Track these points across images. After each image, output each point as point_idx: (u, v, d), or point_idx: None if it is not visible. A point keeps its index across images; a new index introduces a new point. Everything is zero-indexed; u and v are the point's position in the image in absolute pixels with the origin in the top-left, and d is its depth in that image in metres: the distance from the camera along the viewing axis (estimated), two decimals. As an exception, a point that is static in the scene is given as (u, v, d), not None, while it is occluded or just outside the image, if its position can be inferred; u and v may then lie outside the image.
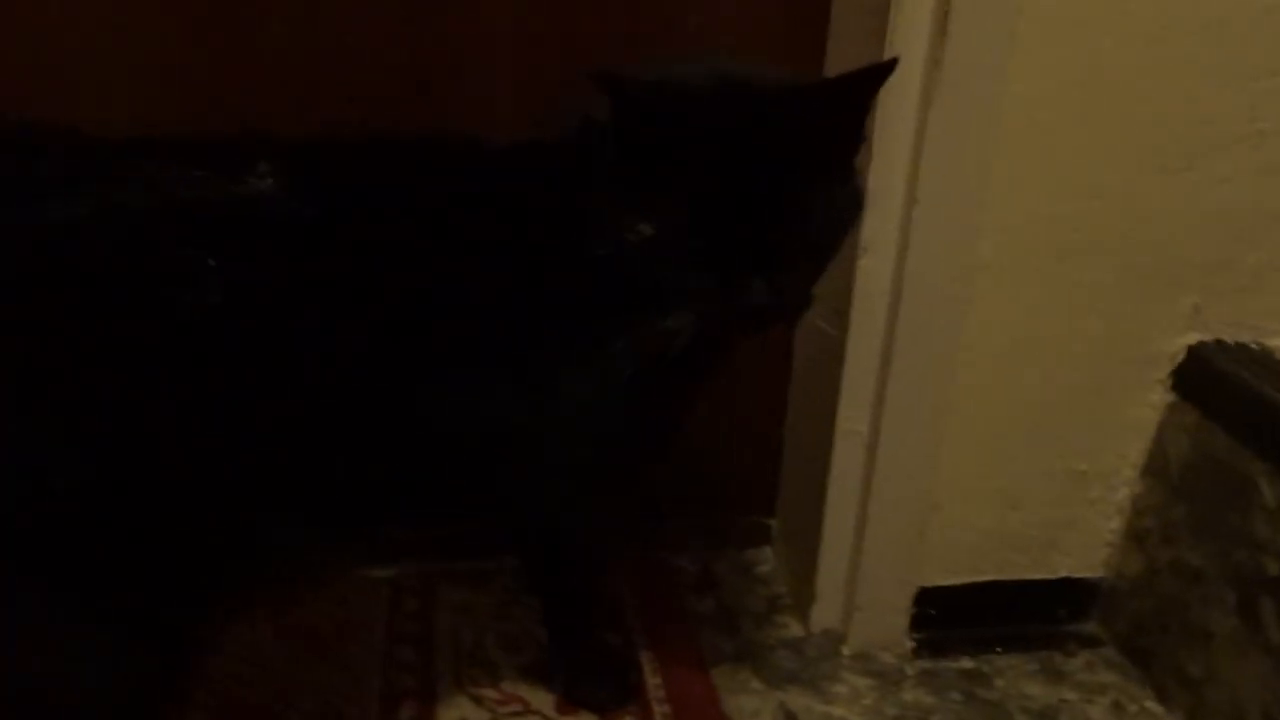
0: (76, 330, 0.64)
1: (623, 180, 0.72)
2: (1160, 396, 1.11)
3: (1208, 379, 1.07)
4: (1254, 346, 1.07)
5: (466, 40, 1.02)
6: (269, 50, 0.99)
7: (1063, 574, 1.20)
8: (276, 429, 0.73)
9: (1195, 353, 1.08)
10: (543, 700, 1.05)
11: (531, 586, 1.09)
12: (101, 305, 0.64)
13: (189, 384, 0.67)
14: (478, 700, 1.05)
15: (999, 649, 1.19)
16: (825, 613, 1.17)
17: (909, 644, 1.18)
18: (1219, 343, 1.09)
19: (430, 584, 1.20)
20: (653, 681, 1.09)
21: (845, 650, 1.16)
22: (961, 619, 1.19)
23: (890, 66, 0.74)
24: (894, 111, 0.95)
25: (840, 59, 1.04)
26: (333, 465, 0.77)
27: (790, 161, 0.72)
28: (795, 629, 1.19)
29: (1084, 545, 1.19)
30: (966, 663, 1.17)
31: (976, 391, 1.09)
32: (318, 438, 0.75)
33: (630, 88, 0.69)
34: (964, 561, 1.18)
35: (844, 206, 0.78)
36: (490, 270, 0.78)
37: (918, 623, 1.18)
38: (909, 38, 0.92)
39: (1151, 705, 1.12)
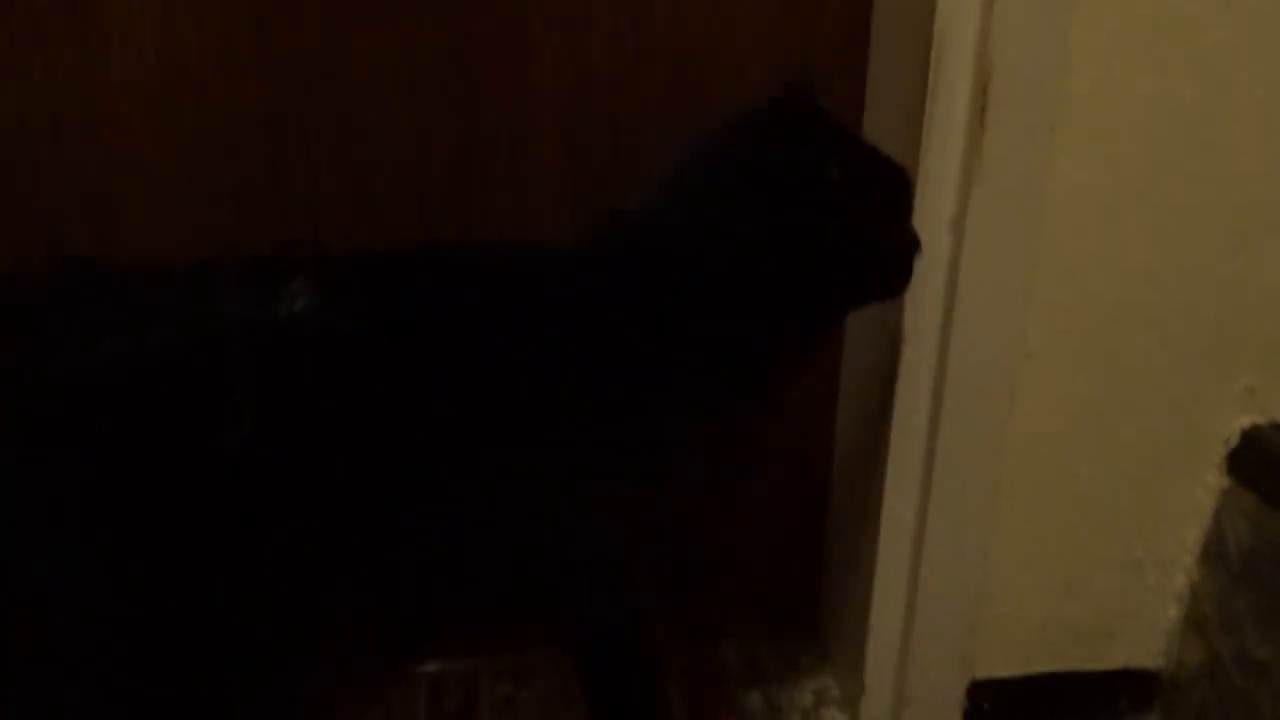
0: (113, 473, 0.62)
1: None
2: (1216, 480, 1.08)
3: (1264, 462, 1.04)
4: (1311, 430, 1.05)
5: (508, 125, 1.03)
6: (316, 146, 1.01)
7: (1122, 664, 1.16)
8: (324, 557, 0.70)
9: (1250, 436, 1.06)
10: (587, 802, 1.03)
11: (582, 684, 1.06)
12: (135, 448, 0.63)
13: (229, 518, 0.65)
14: (520, 803, 1.03)
15: (1057, 743, 1.15)
16: (875, 708, 1.14)
17: (963, 740, 1.14)
18: (1274, 425, 1.06)
19: (472, 680, 1.18)
20: (699, 782, 1.06)
21: (897, 746, 1.13)
22: (1018, 712, 1.15)
23: None
24: (932, 198, 0.94)
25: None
26: (387, 587, 0.75)
27: None
28: (845, 724, 1.16)
29: (1143, 634, 1.15)
30: (1024, 758, 1.13)
31: (1028, 478, 1.06)
32: (371, 560, 0.72)
33: None
34: (1019, 653, 1.14)
35: None
36: (549, 372, 0.77)
37: (972, 717, 1.14)
38: (947, 128, 0.92)
39: (1221, 805, 1.07)
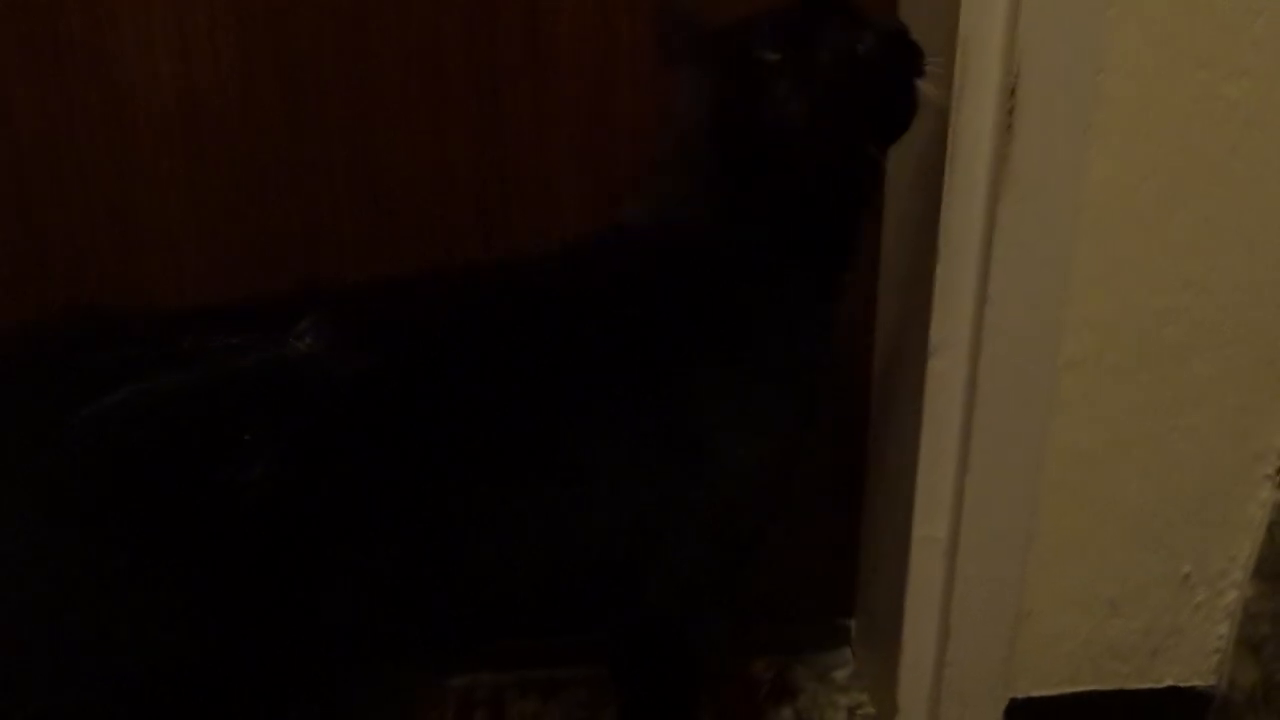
0: (134, 513, 0.63)
1: None
2: (1269, 494, 1.03)
3: (1322, 477, 0.99)
4: (1371, 441, 0.99)
5: (527, 166, 1.01)
6: (335, 185, 1.00)
7: (1169, 683, 1.12)
8: (358, 583, 0.70)
9: (1307, 447, 1.00)
10: (611, 821, 1.02)
11: (624, 697, 1.03)
12: (155, 489, 0.64)
13: (247, 553, 0.66)
14: (544, 822, 1.02)
15: (1101, 765, 1.11)
16: (909, 726, 1.11)
17: (1002, 760, 1.11)
18: (1333, 436, 1.00)
19: (499, 694, 1.17)
20: (727, 803, 1.04)
21: (933, 766, 1.10)
22: (1060, 732, 1.11)
23: None
24: (960, 210, 0.91)
25: (903, 161, 0.99)
26: (415, 609, 0.74)
27: None
28: (878, 742, 1.13)
29: (1192, 652, 1.10)
30: (1066, 780, 1.09)
31: (1071, 492, 1.02)
32: (407, 588, 0.72)
33: None
34: (1061, 671, 1.10)
35: None
36: (597, 369, 0.76)
37: (1012, 737, 1.11)
38: (974, 135, 0.88)
39: (1274, 833, 1.02)
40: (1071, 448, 1.00)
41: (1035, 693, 1.10)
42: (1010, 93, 0.86)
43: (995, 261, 0.90)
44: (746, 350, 0.81)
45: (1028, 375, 0.95)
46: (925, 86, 0.81)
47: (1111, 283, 0.94)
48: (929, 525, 1.02)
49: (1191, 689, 1.12)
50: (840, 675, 1.22)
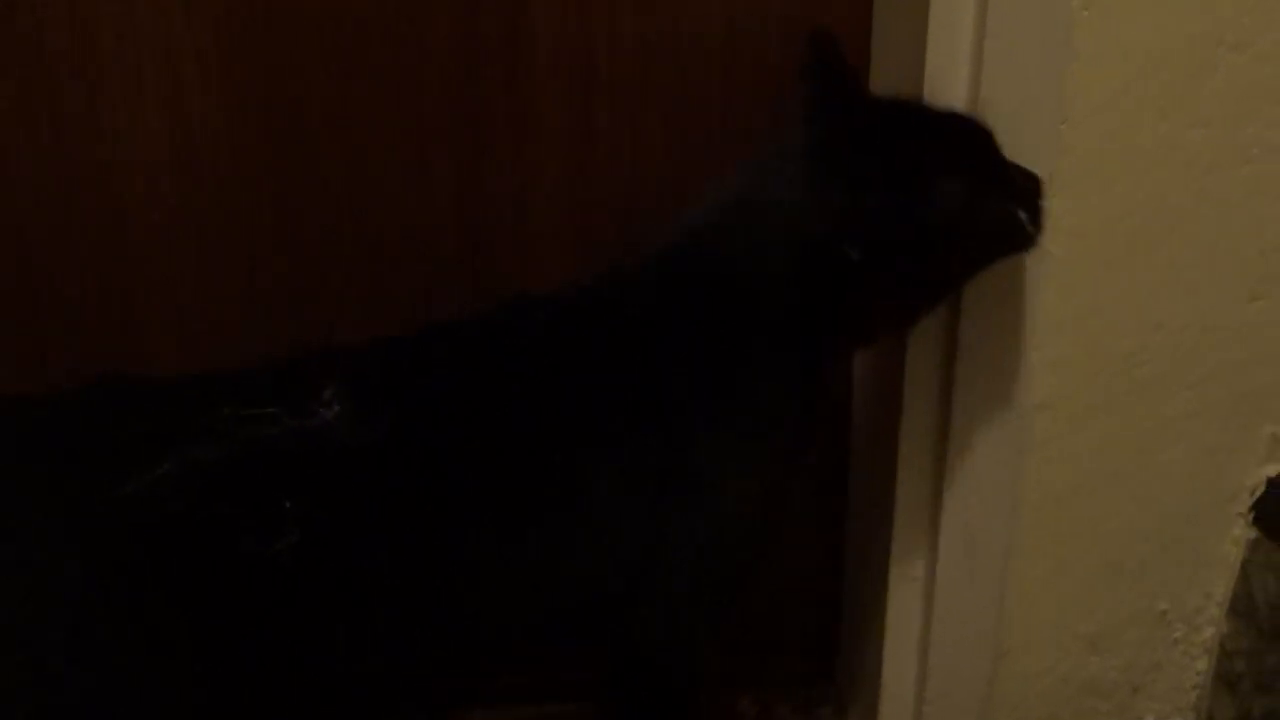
0: (169, 594, 0.67)
1: None
2: (1242, 532, 1.04)
3: (1293, 515, 1.00)
4: (1341, 479, 1.00)
5: (514, 199, 1.03)
6: (320, 215, 1.02)
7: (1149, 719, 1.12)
8: (380, 648, 0.74)
9: (1275, 485, 1.02)
10: None
11: None
12: (196, 560, 0.67)
13: (287, 625, 0.70)
14: None
15: (1081, 803, 1.11)
16: (890, 762, 1.12)
17: (982, 796, 1.11)
18: (1303, 474, 1.02)
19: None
20: (707, 841, 1.05)
21: (913, 805, 1.10)
22: (1040, 768, 1.12)
23: None
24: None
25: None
26: (448, 667, 0.79)
27: None
28: (860, 779, 1.14)
29: (1171, 689, 1.11)
30: (1046, 817, 1.10)
31: (1046, 530, 1.03)
32: (421, 634, 0.76)
33: None
34: (1040, 708, 1.11)
35: None
36: (598, 416, 0.79)
37: (993, 773, 1.11)
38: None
39: None
40: (1046, 487, 1.01)
41: (1016, 729, 1.11)
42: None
43: (964, 305, 0.92)
44: (745, 396, 0.83)
45: (998, 420, 0.97)
46: None
47: (1081, 326, 0.96)
48: (907, 564, 1.03)
49: (1171, 725, 1.13)
50: (824, 711, 1.23)
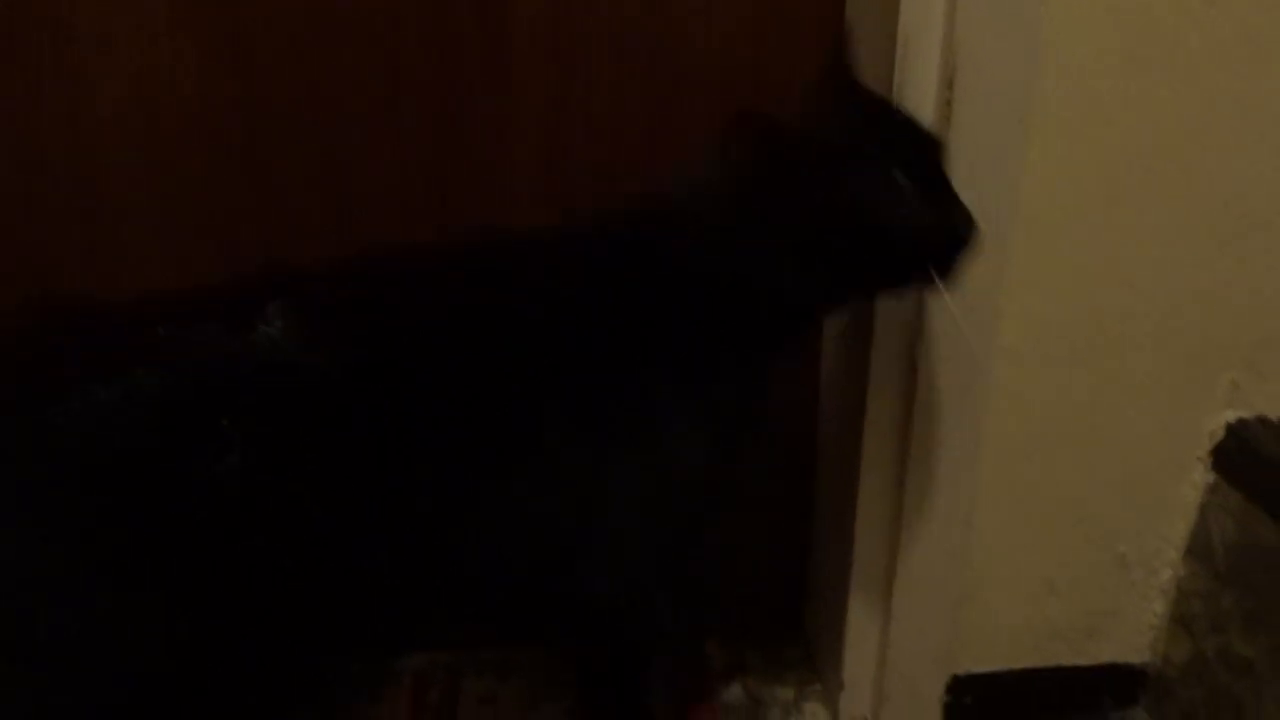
0: (119, 511, 0.64)
1: None
2: (1201, 476, 1.06)
3: (1249, 459, 1.02)
4: (1298, 425, 1.02)
5: (484, 151, 1.02)
6: (291, 165, 1.01)
7: (1106, 660, 1.15)
8: (330, 573, 0.72)
9: (1235, 430, 1.04)
10: (563, 798, 1.04)
11: (578, 677, 1.06)
12: (136, 485, 0.65)
13: (236, 546, 0.67)
14: (497, 799, 1.04)
15: (1040, 740, 1.14)
16: (854, 702, 1.14)
17: (944, 734, 1.14)
18: (1260, 419, 1.03)
19: (454, 675, 1.19)
20: (675, 778, 1.07)
21: (877, 742, 1.13)
22: (1000, 708, 1.14)
23: None
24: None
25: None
26: (396, 595, 0.76)
27: None
28: (824, 718, 1.16)
29: (1128, 630, 1.14)
30: (1005, 754, 1.12)
31: (1009, 476, 1.05)
32: (378, 572, 0.73)
33: None
34: (1001, 649, 1.13)
35: None
36: (552, 361, 0.77)
37: (952, 712, 1.13)
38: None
39: (1203, 803, 1.06)
40: (1008, 434, 1.03)
41: (977, 669, 1.13)
42: (948, 84, 0.88)
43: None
44: (696, 352, 0.82)
45: (966, 365, 0.97)
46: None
47: (1048, 278, 0.97)
48: (873, 507, 1.04)
49: (1127, 665, 1.15)
50: (791, 654, 1.25)
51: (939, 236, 0.79)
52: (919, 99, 0.90)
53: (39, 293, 0.73)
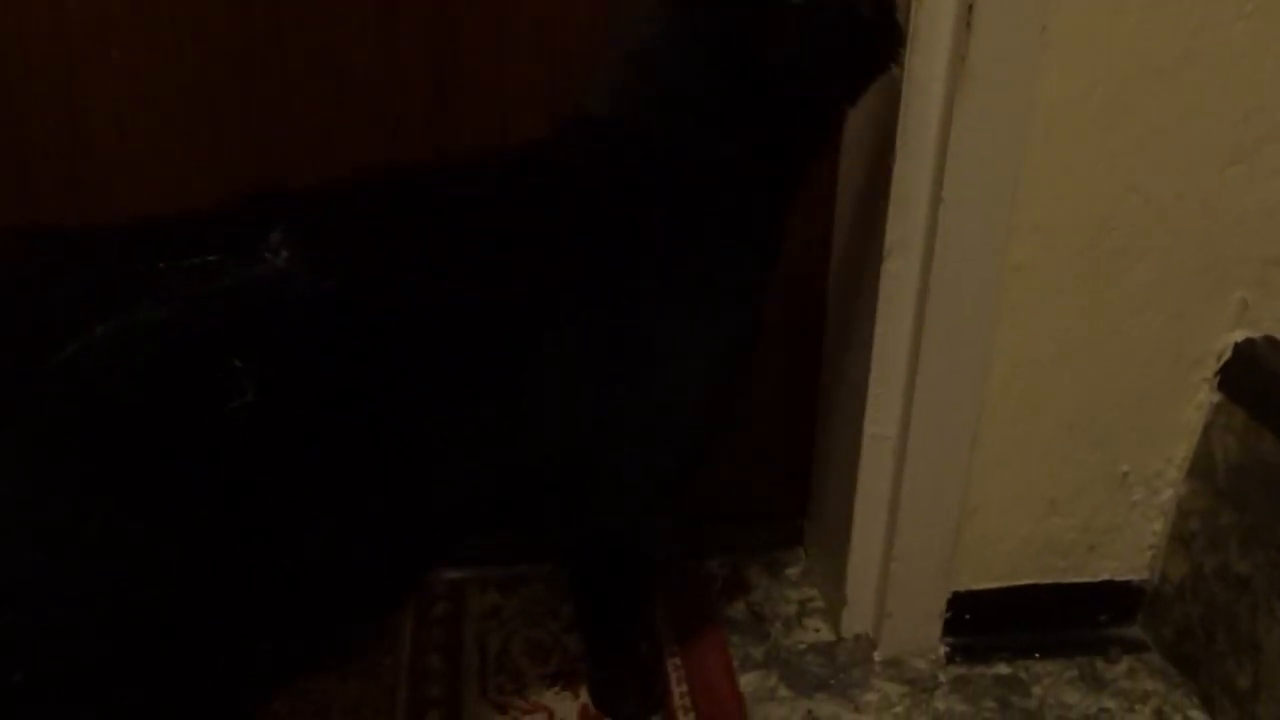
0: (116, 467, 0.61)
1: None
2: (1206, 396, 1.07)
3: (1256, 378, 1.02)
4: (1306, 345, 1.02)
5: (483, 49, 1.00)
6: (287, 69, 0.98)
7: (1104, 577, 1.16)
8: (343, 499, 0.70)
9: (1242, 350, 1.04)
10: (568, 709, 1.05)
11: (579, 594, 1.05)
12: (143, 427, 0.61)
13: (247, 489, 0.65)
14: (502, 709, 1.05)
15: (1037, 654, 1.15)
16: (856, 618, 1.15)
17: (943, 649, 1.15)
18: (1268, 339, 1.04)
19: (459, 590, 1.20)
20: (679, 690, 1.08)
21: (877, 656, 1.14)
22: (998, 624, 1.16)
23: None
24: (918, 108, 0.92)
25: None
26: (408, 515, 0.75)
27: None
28: (826, 634, 1.17)
29: (1127, 548, 1.15)
30: (1003, 669, 1.14)
31: (1014, 394, 1.05)
32: (388, 494, 0.73)
33: None
34: (1001, 565, 1.15)
35: None
36: (557, 274, 0.77)
37: (952, 627, 1.15)
38: (933, 33, 0.89)
39: (1196, 716, 1.08)
40: (1015, 351, 1.03)
41: (977, 586, 1.15)
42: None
43: (951, 158, 0.92)
44: (697, 260, 0.82)
45: (978, 279, 0.97)
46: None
47: (1057, 189, 0.96)
48: (880, 424, 1.05)
49: (1126, 582, 1.17)
50: (792, 572, 1.26)
51: (843, 40, 0.81)
52: (940, 6, 0.88)
53: (15, 226, 0.69)
